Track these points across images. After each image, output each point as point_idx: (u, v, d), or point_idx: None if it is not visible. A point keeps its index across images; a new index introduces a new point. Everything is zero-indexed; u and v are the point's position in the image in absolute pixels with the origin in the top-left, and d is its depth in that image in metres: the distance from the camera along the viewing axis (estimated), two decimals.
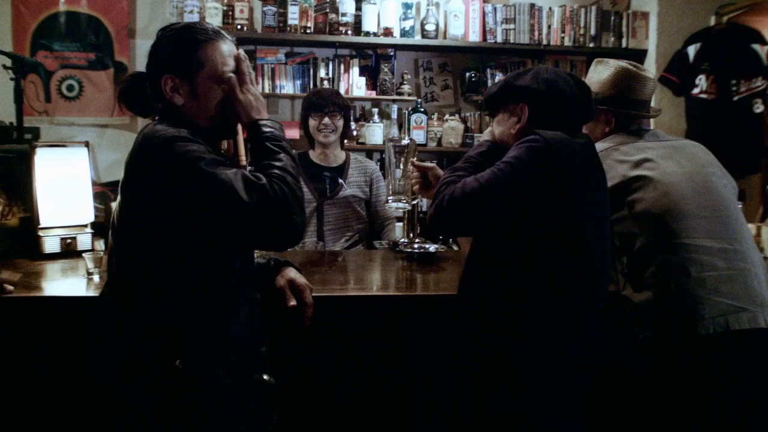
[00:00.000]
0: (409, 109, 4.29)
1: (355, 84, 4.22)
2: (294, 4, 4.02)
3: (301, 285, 1.73)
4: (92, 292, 1.88)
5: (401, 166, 2.27)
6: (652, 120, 2.34)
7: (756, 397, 1.77)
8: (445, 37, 4.23)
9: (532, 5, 4.23)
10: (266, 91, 4.16)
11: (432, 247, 2.44)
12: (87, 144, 2.47)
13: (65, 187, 2.39)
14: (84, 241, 2.41)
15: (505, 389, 1.61)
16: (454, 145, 4.30)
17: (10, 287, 1.84)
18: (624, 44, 4.26)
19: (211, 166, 1.34)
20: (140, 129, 1.48)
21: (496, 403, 1.62)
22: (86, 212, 2.44)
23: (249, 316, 1.55)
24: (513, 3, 4.22)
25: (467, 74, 4.42)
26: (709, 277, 1.76)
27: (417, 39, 4.21)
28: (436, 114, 4.38)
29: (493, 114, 1.80)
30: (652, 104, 2.15)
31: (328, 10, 4.09)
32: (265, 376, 1.56)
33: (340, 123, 2.93)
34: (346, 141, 3.14)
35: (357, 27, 4.12)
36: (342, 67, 4.25)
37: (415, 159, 2.20)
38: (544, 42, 4.25)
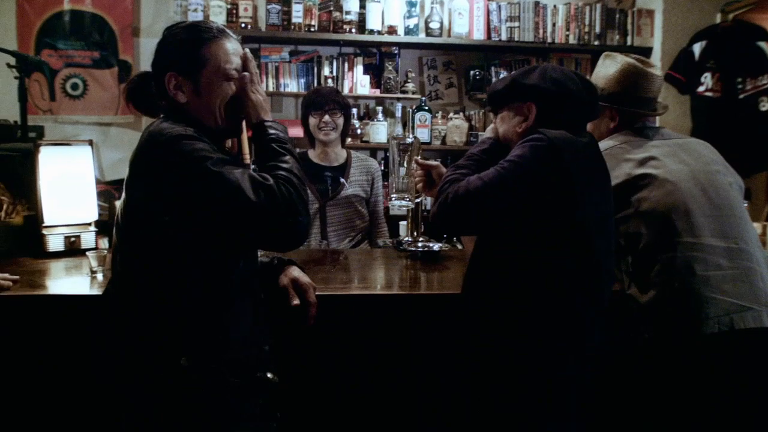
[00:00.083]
0: (414, 107, 4.28)
1: (359, 82, 4.21)
2: (298, 3, 4.01)
3: (305, 284, 1.72)
4: (96, 291, 1.89)
5: (405, 165, 2.27)
6: (657, 117, 2.32)
7: (760, 396, 1.76)
8: (449, 35, 4.22)
9: (537, 3, 4.22)
10: (270, 89, 4.16)
11: (436, 246, 2.44)
12: (91, 142, 2.47)
13: (69, 186, 2.39)
14: (88, 239, 2.41)
15: (504, 389, 1.60)
16: (458, 144, 4.29)
17: (8, 283, 1.86)
18: (629, 42, 4.24)
19: (218, 165, 1.35)
20: (145, 127, 1.48)
21: (496, 403, 1.62)
22: (90, 211, 2.44)
23: (252, 315, 1.56)
24: (517, 1, 4.21)
25: (471, 72, 4.41)
26: (713, 276, 1.75)
27: (421, 37, 4.20)
28: (440, 112, 4.38)
29: (496, 111, 1.79)
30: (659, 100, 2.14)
31: (332, 8, 4.08)
32: (269, 375, 1.56)
33: (341, 121, 2.92)
34: (349, 140, 3.13)
35: (361, 25, 4.12)
36: (346, 65, 4.25)
37: (419, 157, 2.19)
38: (549, 40, 4.24)
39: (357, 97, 4.36)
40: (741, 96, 4.02)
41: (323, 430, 2.00)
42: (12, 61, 2.85)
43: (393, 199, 2.32)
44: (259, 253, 1.72)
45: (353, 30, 4.09)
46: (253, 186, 1.34)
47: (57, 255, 2.33)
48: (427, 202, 3.11)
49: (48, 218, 2.34)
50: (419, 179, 2.05)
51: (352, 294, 1.94)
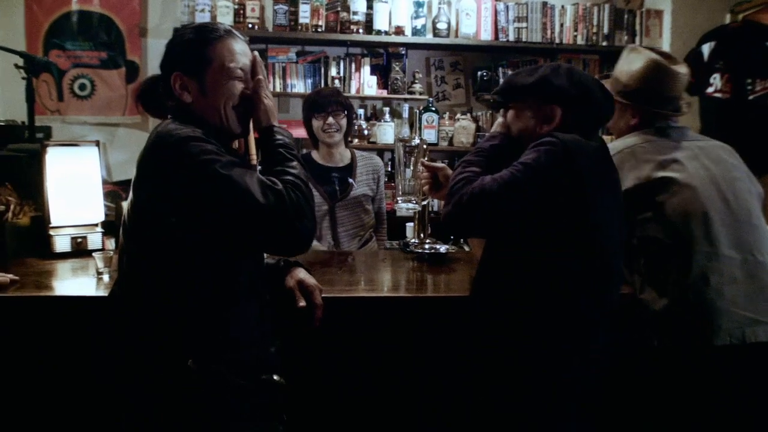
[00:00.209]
0: (421, 108, 4.28)
1: (366, 83, 4.21)
2: (305, 3, 4.02)
3: (311, 286, 1.72)
4: (102, 292, 1.88)
5: (411, 166, 2.26)
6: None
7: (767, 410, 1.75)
8: (456, 36, 4.21)
9: (545, 3, 4.20)
10: (277, 89, 4.17)
11: (443, 248, 2.42)
12: (98, 143, 2.47)
13: (76, 187, 2.39)
14: (94, 240, 2.41)
15: (509, 389, 1.60)
16: (465, 145, 4.28)
17: (5, 280, 1.87)
18: (637, 43, 4.22)
19: (227, 168, 1.35)
20: (153, 127, 1.48)
21: (500, 404, 1.62)
22: (97, 211, 2.44)
23: (258, 317, 1.56)
24: (525, 1, 4.19)
25: (479, 73, 4.40)
26: (728, 288, 1.74)
27: (428, 38, 4.19)
28: (447, 113, 4.37)
29: (509, 101, 1.75)
30: None
31: (339, 9, 4.08)
32: (275, 377, 1.56)
33: (344, 122, 2.90)
34: (356, 140, 3.13)
35: (368, 25, 4.11)
36: (353, 65, 4.25)
37: (426, 159, 2.18)
38: (557, 40, 4.23)
39: (364, 98, 4.35)
40: (750, 97, 3.99)
41: None
42: (20, 61, 2.85)
43: (399, 201, 2.31)
44: (265, 254, 1.72)
45: (360, 30, 4.09)
46: (262, 189, 1.35)
47: (64, 256, 2.33)
48: (434, 204, 3.10)
49: (55, 219, 2.34)
50: (425, 181, 2.04)
51: (358, 296, 1.93)
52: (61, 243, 2.35)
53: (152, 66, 4.20)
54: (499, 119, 1.81)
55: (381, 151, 4.28)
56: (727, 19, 4.14)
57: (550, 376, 1.58)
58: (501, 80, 4.32)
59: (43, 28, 4.17)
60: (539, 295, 1.57)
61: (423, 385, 1.95)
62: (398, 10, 4.10)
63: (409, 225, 2.89)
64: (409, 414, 1.97)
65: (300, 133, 3.46)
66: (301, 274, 1.75)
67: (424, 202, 2.39)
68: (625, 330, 1.79)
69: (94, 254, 2.04)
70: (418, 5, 4.16)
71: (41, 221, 2.35)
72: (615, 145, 1.97)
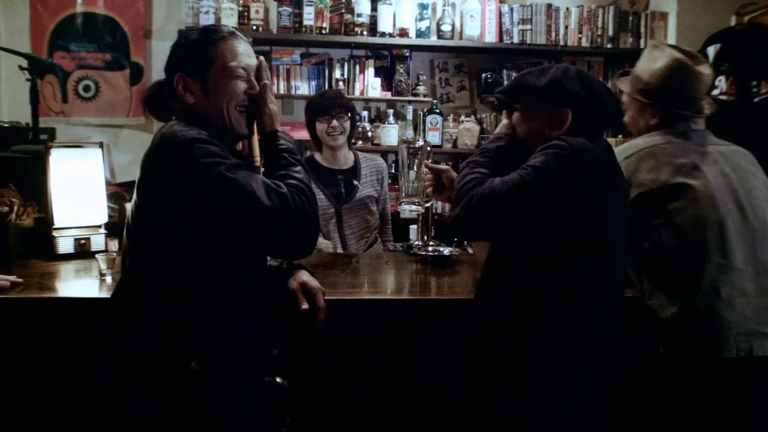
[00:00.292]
0: (425, 110, 4.27)
1: (370, 85, 4.21)
2: (309, 5, 4.01)
3: (314, 288, 1.72)
4: (105, 294, 1.88)
5: (415, 168, 2.25)
6: None
7: None
8: (461, 38, 4.21)
9: (549, 5, 4.19)
10: (281, 91, 4.17)
11: (446, 250, 2.42)
12: (101, 144, 2.48)
13: (80, 188, 2.39)
14: (98, 241, 2.41)
15: (512, 391, 1.59)
16: (469, 147, 4.27)
17: (6, 283, 1.87)
18: (642, 45, 4.19)
19: (231, 170, 1.35)
20: (157, 129, 1.48)
21: (503, 405, 1.61)
22: (100, 213, 2.44)
23: (260, 319, 1.55)
24: (530, 3, 4.19)
25: (483, 75, 4.39)
26: (739, 301, 1.72)
27: (433, 39, 4.19)
28: (451, 115, 4.37)
29: (515, 101, 1.73)
30: None
31: (343, 11, 4.08)
32: (278, 379, 1.56)
33: (348, 124, 2.90)
34: (360, 142, 3.12)
35: (372, 27, 4.11)
36: (357, 67, 4.24)
37: (430, 161, 2.18)
38: (561, 43, 4.22)
39: (368, 100, 4.35)
40: (756, 99, 3.97)
41: None
42: (24, 63, 2.86)
43: (403, 203, 2.30)
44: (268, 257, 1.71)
45: (364, 32, 4.08)
46: (267, 192, 1.35)
47: (67, 257, 2.34)
48: (437, 206, 3.09)
49: (58, 220, 2.34)
50: (429, 183, 2.04)
51: (361, 298, 1.93)
52: (65, 244, 2.35)
53: (156, 68, 4.21)
54: (504, 120, 1.79)
55: (385, 153, 4.26)
56: (733, 21, 4.13)
57: (553, 377, 1.58)
58: (505, 82, 4.31)
59: (48, 29, 4.17)
60: (542, 297, 1.57)
61: (426, 387, 1.94)
62: (402, 12, 4.10)
63: (413, 227, 2.88)
64: (412, 416, 1.97)
65: (304, 135, 3.46)
66: (304, 276, 1.75)
67: (428, 204, 2.38)
68: (630, 334, 1.77)
69: (97, 256, 2.04)
70: (423, 7, 4.16)
71: (45, 222, 2.35)
72: (636, 142, 1.93)
